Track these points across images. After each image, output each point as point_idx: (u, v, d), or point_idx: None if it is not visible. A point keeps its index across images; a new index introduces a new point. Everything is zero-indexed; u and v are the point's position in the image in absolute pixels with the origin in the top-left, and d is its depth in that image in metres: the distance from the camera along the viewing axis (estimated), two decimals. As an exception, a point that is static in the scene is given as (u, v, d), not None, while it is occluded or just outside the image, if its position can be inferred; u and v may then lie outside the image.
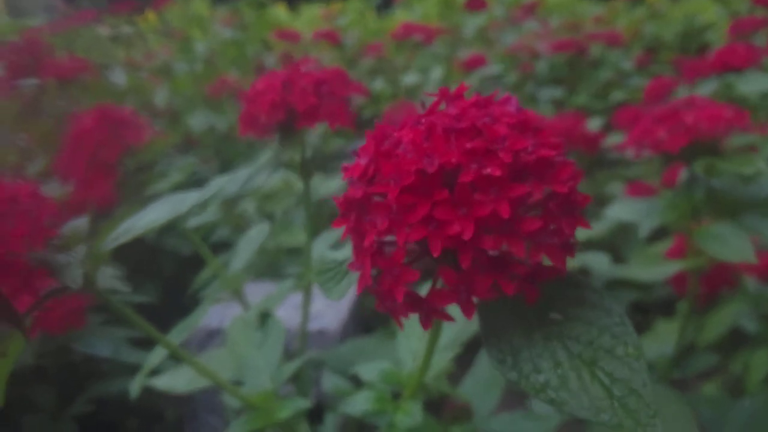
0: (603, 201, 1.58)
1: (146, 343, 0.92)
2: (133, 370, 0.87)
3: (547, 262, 0.36)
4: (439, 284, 0.37)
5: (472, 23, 2.64)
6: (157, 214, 0.55)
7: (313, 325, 1.18)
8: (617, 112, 1.62)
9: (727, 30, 1.87)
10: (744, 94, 1.28)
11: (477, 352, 0.82)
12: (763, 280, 1.10)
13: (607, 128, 1.77)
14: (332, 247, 0.82)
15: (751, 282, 1.11)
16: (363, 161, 0.38)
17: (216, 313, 1.21)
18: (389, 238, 0.36)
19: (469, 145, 0.34)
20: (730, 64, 1.39)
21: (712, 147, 0.85)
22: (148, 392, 0.85)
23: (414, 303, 0.36)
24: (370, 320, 1.41)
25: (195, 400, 1.22)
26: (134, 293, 1.04)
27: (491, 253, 0.35)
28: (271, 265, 1.55)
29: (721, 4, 2.78)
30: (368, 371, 0.59)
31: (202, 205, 1.23)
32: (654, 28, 2.80)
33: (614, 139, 1.60)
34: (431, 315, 0.37)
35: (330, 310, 1.24)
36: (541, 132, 0.36)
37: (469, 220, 0.33)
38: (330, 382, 0.79)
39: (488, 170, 0.34)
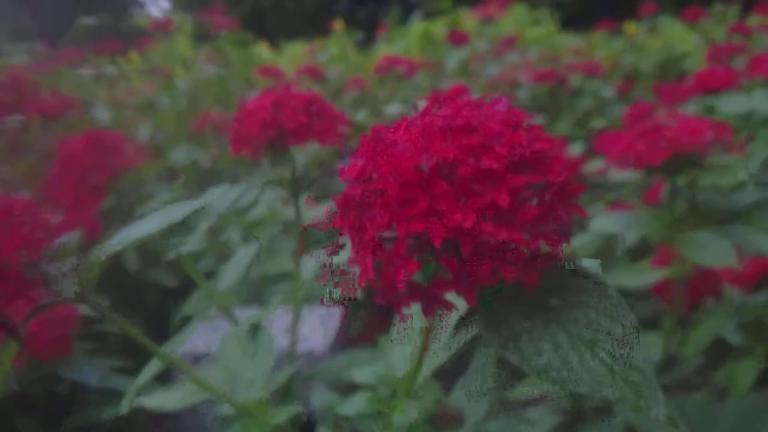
0: (585, 223, 1.60)
1: (133, 372, 0.91)
2: (121, 398, 0.86)
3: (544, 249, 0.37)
4: (440, 274, 0.37)
5: (454, 57, 2.69)
6: (151, 223, 0.56)
7: (302, 347, 1.17)
8: (598, 137, 1.64)
9: (705, 55, 1.93)
10: (724, 115, 1.31)
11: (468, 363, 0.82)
12: (746, 289, 1.11)
13: (588, 154, 1.80)
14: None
15: (734, 293, 1.12)
16: (360, 162, 0.39)
17: (203, 336, 1.20)
18: (387, 234, 0.37)
19: (465, 141, 0.36)
20: (711, 86, 1.43)
21: (694, 160, 0.87)
22: (135, 419, 0.84)
23: (416, 292, 0.37)
24: (357, 343, 1.40)
25: (180, 424, 1.21)
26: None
27: (491, 241, 0.36)
28: (257, 292, 1.55)
29: (698, 33, 2.86)
30: (363, 374, 0.59)
31: (204, 213, 1.23)
32: (632, 58, 2.86)
33: (595, 164, 1.63)
34: (433, 304, 0.37)
35: (318, 332, 1.24)
36: (533, 128, 0.38)
37: (470, 209, 0.34)
38: (320, 396, 0.79)
39: (486, 163, 0.35)
